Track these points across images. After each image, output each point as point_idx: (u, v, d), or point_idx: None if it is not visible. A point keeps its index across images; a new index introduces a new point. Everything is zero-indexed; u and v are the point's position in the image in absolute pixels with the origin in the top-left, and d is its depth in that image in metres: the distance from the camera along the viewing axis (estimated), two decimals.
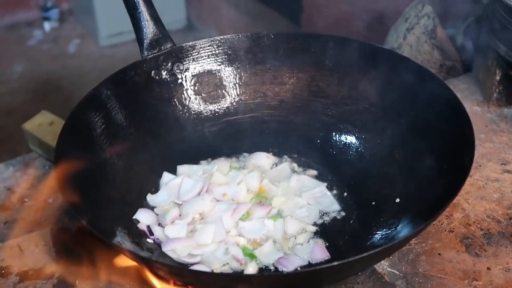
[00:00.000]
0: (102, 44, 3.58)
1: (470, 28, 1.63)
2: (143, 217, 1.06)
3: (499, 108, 1.40)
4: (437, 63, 1.59)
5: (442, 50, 1.56)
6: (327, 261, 0.96)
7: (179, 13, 3.80)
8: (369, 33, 2.52)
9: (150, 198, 1.10)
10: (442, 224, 1.11)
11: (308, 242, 1.00)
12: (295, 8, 2.99)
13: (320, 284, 0.91)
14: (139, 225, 1.05)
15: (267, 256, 0.98)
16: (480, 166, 1.25)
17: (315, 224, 1.05)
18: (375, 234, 1.00)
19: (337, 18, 2.66)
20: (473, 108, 1.43)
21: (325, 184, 1.12)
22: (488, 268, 1.02)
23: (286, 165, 1.17)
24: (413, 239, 1.06)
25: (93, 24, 3.51)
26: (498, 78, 1.38)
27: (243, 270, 0.96)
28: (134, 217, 1.06)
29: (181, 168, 1.15)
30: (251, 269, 0.95)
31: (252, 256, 0.98)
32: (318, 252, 0.97)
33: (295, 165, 1.18)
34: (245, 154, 1.20)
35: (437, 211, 0.84)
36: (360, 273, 0.97)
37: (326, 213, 1.08)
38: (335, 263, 0.75)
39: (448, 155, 0.98)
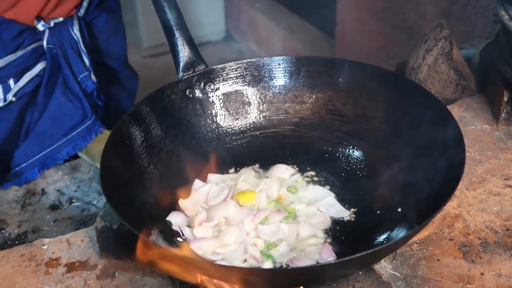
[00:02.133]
0: (144, 54, 3.74)
1: (485, 50, 1.73)
2: (175, 219, 1.18)
3: (506, 127, 1.50)
4: (453, 83, 1.68)
5: (458, 71, 1.66)
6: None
7: (219, 25, 3.93)
8: (399, 48, 2.61)
9: (181, 202, 1.23)
10: (443, 233, 1.21)
11: (317, 245, 1.12)
12: (329, 22, 3.08)
13: (324, 280, 1.04)
14: (172, 226, 1.17)
15: (282, 255, 1.10)
16: (484, 180, 1.34)
17: (325, 230, 1.16)
18: (378, 238, 1.12)
19: (369, 33, 2.76)
20: (483, 127, 1.52)
21: (333, 194, 1.22)
22: (482, 274, 1.12)
23: (302, 176, 1.29)
24: (416, 246, 1.18)
25: (137, 35, 3.68)
26: (505, 99, 1.48)
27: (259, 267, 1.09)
28: (167, 218, 1.18)
29: (211, 177, 1.28)
30: (266, 266, 1.07)
31: (268, 256, 1.11)
32: (325, 253, 1.09)
33: (311, 176, 1.29)
34: (267, 165, 1.31)
35: (426, 220, 0.96)
36: (360, 273, 1.09)
37: (336, 219, 1.18)
38: (332, 261, 0.88)
39: (443, 174, 1.08)
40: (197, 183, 1.25)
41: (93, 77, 1.61)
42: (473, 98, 1.63)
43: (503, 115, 1.49)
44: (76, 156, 1.65)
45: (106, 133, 1.60)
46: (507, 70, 1.44)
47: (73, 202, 1.53)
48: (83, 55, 1.61)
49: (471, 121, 1.54)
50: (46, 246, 1.23)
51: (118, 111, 1.88)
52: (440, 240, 1.20)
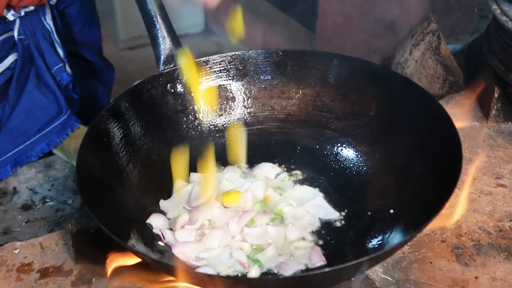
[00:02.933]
0: (121, 47, 3.66)
1: (473, 45, 1.70)
2: (155, 222, 1.12)
3: (496, 124, 1.46)
4: (441, 78, 1.65)
5: (445, 66, 1.62)
6: (323, 266, 1.04)
7: (198, 18, 3.86)
8: (382, 42, 2.57)
9: (162, 203, 1.17)
10: (435, 234, 1.17)
11: (306, 249, 1.07)
12: (310, 16, 3.04)
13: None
14: (153, 229, 1.11)
15: (270, 260, 1.04)
16: (475, 179, 1.30)
17: (313, 232, 1.11)
18: (370, 242, 1.07)
19: (351, 27, 2.72)
20: (473, 124, 1.48)
21: (322, 195, 1.17)
22: (476, 277, 1.08)
23: (289, 175, 1.24)
24: (407, 248, 1.13)
25: (113, 27, 3.60)
26: (496, 95, 1.44)
27: (246, 273, 1.03)
28: (147, 221, 1.12)
29: (194, 176, 1.22)
30: (253, 272, 1.01)
31: (256, 261, 1.05)
32: (315, 257, 1.04)
33: (297, 175, 1.24)
34: (252, 164, 1.25)
35: (423, 224, 0.91)
36: (352, 279, 1.04)
37: (325, 221, 1.13)
38: (326, 269, 0.82)
39: (438, 172, 1.04)
40: (179, 183, 1.19)
41: (68, 68, 1.54)
42: (462, 94, 1.59)
43: (493, 112, 1.46)
44: (50, 153, 1.58)
45: (83, 129, 1.54)
46: (498, 66, 1.41)
47: (47, 202, 1.46)
48: (56, 45, 1.54)
49: (460, 118, 1.49)
50: (17, 250, 1.16)
51: (94, 105, 1.82)
52: (432, 242, 1.16)
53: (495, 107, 1.45)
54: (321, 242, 1.09)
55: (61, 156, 1.58)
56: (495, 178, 1.31)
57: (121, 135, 1.17)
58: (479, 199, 1.25)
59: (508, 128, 1.45)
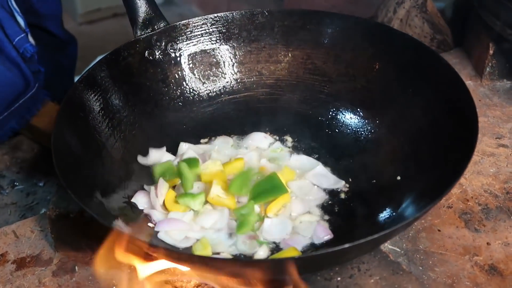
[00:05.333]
0: (80, 21, 3.51)
1: (459, 1, 1.63)
2: (141, 200, 1.04)
3: (491, 82, 1.40)
4: (428, 37, 1.58)
5: (433, 24, 1.55)
6: (330, 241, 0.96)
7: None
8: (354, 6, 2.49)
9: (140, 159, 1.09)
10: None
11: (311, 223, 0.99)
12: None
13: (327, 265, 0.91)
14: (140, 208, 1.03)
15: (273, 234, 0.97)
16: None
17: (319, 205, 1.04)
18: (379, 213, 0.99)
19: None
20: (467, 83, 1.39)
21: (320, 164, 1.10)
22: (488, 243, 1.03)
23: (282, 145, 1.16)
24: None
25: (71, 0, 3.44)
26: (491, 52, 1.37)
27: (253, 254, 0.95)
28: (132, 200, 1.04)
29: (183, 146, 1.13)
30: (261, 252, 0.94)
31: (262, 242, 0.96)
32: (321, 231, 0.96)
33: (292, 144, 1.17)
34: (242, 134, 1.18)
35: (442, 190, 0.84)
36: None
37: (330, 191, 1.06)
38: (346, 245, 0.74)
39: (451, 135, 0.97)
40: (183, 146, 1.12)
41: (31, 39, 1.41)
42: (451, 53, 1.53)
43: (487, 69, 1.39)
44: (15, 134, 1.46)
45: (50, 106, 1.42)
46: (493, 21, 1.33)
47: (16, 186, 1.36)
48: (16, 14, 1.41)
49: None
50: None
51: (59, 80, 1.70)
52: (437, 208, 1.09)
53: (490, 64, 1.39)
54: (326, 214, 1.02)
55: (28, 135, 1.47)
56: (496, 138, 1.25)
57: (98, 109, 1.07)
58: (481, 161, 1.19)
59: (503, 85, 1.39)
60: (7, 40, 1.35)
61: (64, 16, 1.77)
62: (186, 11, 3.70)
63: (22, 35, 1.37)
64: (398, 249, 1.01)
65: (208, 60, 1.21)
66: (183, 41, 1.19)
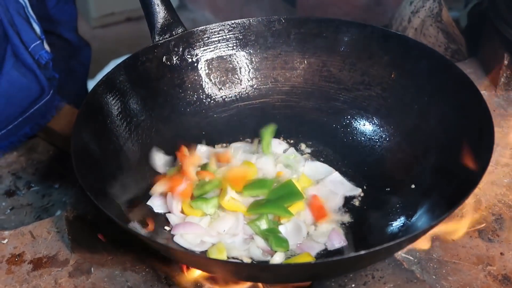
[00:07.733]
0: (93, 25, 3.53)
1: (475, 10, 1.63)
2: (156, 204, 1.05)
3: (506, 92, 1.40)
4: (442, 47, 1.58)
5: (447, 33, 1.55)
6: (343, 248, 0.97)
7: None
8: (366, 14, 2.50)
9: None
10: None
11: (326, 229, 0.99)
12: None
13: (342, 272, 0.91)
14: (156, 210, 1.04)
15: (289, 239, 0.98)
16: None
17: (334, 211, 1.04)
18: (393, 221, 1.00)
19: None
20: (481, 93, 1.43)
21: (335, 171, 1.10)
22: (501, 253, 1.03)
23: (297, 151, 1.17)
24: None
25: (84, 4, 3.46)
26: (506, 62, 1.38)
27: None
28: (148, 203, 1.05)
29: (201, 148, 1.14)
30: (277, 257, 0.94)
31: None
32: (335, 238, 0.97)
33: (306, 150, 1.17)
34: (256, 140, 1.18)
35: (457, 200, 0.84)
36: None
37: (345, 198, 1.07)
38: (362, 252, 0.75)
39: (467, 144, 0.97)
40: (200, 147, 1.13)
41: (46, 46, 1.42)
42: (466, 63, 1.53)
43: (502, 79, 1.39)
44: (31, 136, 1.47)
45: (67, 109, 1.43)
46: (508, 30, 1.34)
47: (32, 187, 1.37)
48: (32, 21, 1.43)
49: None
50: (6, 240, 1.08)
51: (72, 85, 1.72)
52: (451, 217, 1.09)
53: (505, 74, 1.39)
54: (341, 223, 1.02)
55: (44, 138, 1.48)
56: (510, 148, 1.25)
57: (116, 112, 1.08)
58: (496, 171, 1.20)
59: None
60: (23, 47, 1.36)
61: (78, 20, 1.79)
62: (199, 17, 3.71)
63: (38, 42, 1.39)
64: (411, 258, 1.02)
65: (224, 66, 1.22)
66: (201, 47, 1.20)
